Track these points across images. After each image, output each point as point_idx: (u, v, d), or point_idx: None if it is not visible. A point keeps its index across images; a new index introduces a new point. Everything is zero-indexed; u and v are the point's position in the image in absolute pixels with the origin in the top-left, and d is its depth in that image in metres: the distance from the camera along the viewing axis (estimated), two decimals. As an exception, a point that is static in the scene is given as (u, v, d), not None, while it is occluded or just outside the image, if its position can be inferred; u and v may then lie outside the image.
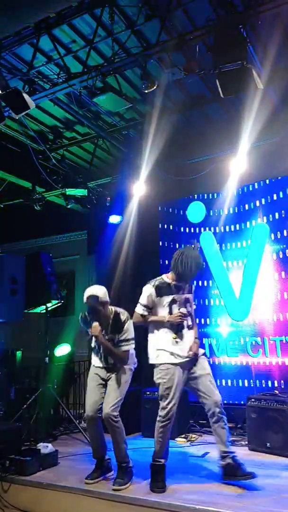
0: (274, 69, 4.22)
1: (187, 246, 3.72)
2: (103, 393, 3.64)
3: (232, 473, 3.36)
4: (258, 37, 4.02)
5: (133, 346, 3.68)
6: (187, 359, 3.48)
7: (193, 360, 3.50)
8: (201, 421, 5.17)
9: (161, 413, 3.42)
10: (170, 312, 3.51)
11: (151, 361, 3.56)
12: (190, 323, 3.57)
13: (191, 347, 3.50)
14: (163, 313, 3.52)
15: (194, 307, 3.73)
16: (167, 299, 3.51)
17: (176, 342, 3.48)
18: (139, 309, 3.57)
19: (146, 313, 3.55)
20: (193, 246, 3.64)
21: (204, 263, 3.56)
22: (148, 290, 3.55)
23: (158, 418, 3.44)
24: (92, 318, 3.61)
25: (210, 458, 4.19)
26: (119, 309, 3.70)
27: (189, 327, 3.57)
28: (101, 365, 3.73)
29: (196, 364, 3.52)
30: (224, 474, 3.40)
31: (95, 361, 3.78)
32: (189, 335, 3.55)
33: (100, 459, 3.73)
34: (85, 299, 3.58)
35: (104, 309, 3.61)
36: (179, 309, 3.50)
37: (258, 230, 5.58)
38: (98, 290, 3.59)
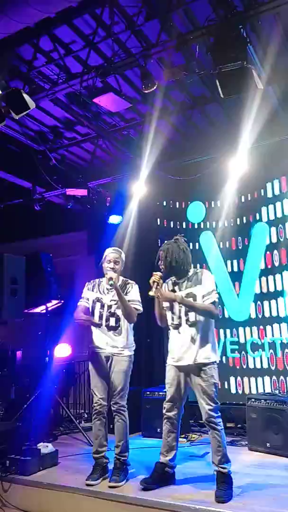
0: (274, 69, 4.22)
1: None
2: (108, 383, 3.73)
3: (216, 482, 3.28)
4: (258, 37, 4.02)
5: (139, 308, 3.74)
6: (181, 364, 3.42)
7: (197, 368, 3.36)
8: (201, 421, 5.12)
9: None
10: (171, 308, 3.52)
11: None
12: (192, 319, 3.40)
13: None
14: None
15: (210, 299, 3.39)
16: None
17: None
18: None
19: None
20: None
21: (169, 253, 3.44)
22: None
23: None
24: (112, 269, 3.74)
25: (210, 458, 4.18)
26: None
27: (191, 324, 3.40)
28: (100, 341, 3.75)
29: (194, 371, 3.38)
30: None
31: (97, 340, 3.78)
32: (189, 333, 3.38)
33: (100, 458, 3.74)
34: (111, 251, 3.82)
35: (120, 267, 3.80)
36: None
37: (258, 229, 5.59)
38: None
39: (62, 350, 6.95)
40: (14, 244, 8.25)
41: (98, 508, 3.39)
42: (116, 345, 3.73)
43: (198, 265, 5.91)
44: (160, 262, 3.51)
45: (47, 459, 4.09)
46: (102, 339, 3.77)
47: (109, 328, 3.75)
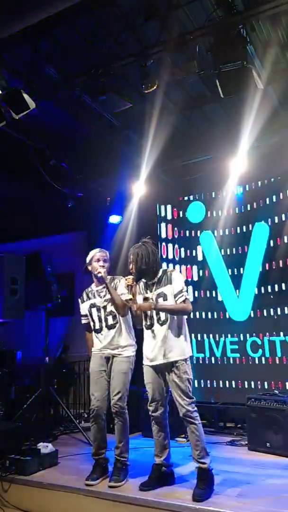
0: (274, 69, 4.22)
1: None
2: (107, 384, 3.74)
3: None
4: (258, 37, 4.02)
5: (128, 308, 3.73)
6: (155, 364, 3.45)
7: (170, 364, 3.41)
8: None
9: None
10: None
11: None
12: (163, 318, 3.45)
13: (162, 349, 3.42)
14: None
15: (178, 300, 3.45)
16: (139, 297, 3.56)
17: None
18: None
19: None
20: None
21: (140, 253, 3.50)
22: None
23: None
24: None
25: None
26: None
27: (162, 323, 3.45)
28: (101, 343, 3.78)
29: (169, 369, 3.42)
30: None
31: (98, 341, 3.82)
32: (161, 332, 3.43)
33: (100, 459, 3.74)
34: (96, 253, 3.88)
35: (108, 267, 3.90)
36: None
37: (258, 230, 5.58)
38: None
39: (62, 350, 6.97)
40: (14, 244, 8.25)
41: (98, 508, 3.39)
42: (116, 345, 3.74)
43: (197, 267, 5.94)
44: (130, 265, 3.57)
45: (47, 459, 4.09)
46: (102, 341, 3.80)
47: (109, 327, 3.78)
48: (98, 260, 3.85)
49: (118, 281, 3.84)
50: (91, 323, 3.90)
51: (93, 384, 3.78)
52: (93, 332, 3.91)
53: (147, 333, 3.56)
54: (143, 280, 3.61)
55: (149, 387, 3.54)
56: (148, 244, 3.58)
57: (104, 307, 3.83)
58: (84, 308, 3.97)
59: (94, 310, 3.88)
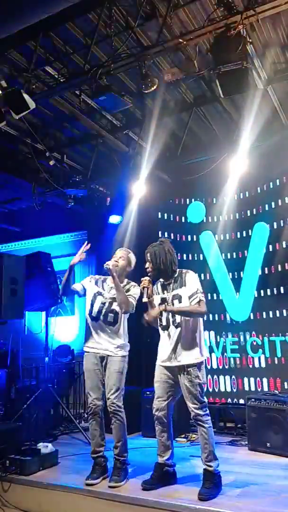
0: (274, 69, 4.22)
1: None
2: (102, 383, 3.75)
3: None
4: (258, 37, 4.02)
5: (133, 303, 3.71)
6: (167, 365, 3.46)
7: (182, 368, 3.41)
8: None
9: None
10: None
11: None
12: (178, 320, 3.45)
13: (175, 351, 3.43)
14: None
15: (193, 301, 3.43)
16: (156, 298, 3.57)
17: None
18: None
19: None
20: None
21: (156, 253, 3.53)
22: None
23: None
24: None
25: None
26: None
27: (177, 325, 3.45)
28: (96, 342, 3.77)
29: (181, 372, 3.42)
30: None
31: (93, 340, 3.81)
32: (177, 334, 3.43)
33: (98, 457, 3.75)
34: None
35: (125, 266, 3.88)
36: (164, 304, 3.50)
37: (258, 230, 5.59)
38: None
39: (62, 349, 6.96)
40: (14, 244, 8.26)
41: (98, 508, 3.39)
42: (111, 344, 3.75)
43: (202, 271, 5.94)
44: (147, 264, 3.56)
45: (47, 459, 4.09)
46: (97, 339, 3.79)
47: (107, 323, 3.77)
48: (115, 257, 3.88)
49: (133, 286, 3.81)
50: (89, 308, 3.85)
51: (88, 383, 3.79)
52: (88, 319, 3.86)
53: (163, 334, 3.55)
54: (161, 280, 3.61)
55: (157, 386, 3.53)
56: (165, 243, 3.58)
57: (110, 303, 3.80)
58: (87, 284, 3.93)
59: (99, 299, 3.84)
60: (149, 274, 3.52)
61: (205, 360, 3.54)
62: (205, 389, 3.44)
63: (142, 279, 3.47)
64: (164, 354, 3.49)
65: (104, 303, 3.82)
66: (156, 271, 3.52)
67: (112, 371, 3.70)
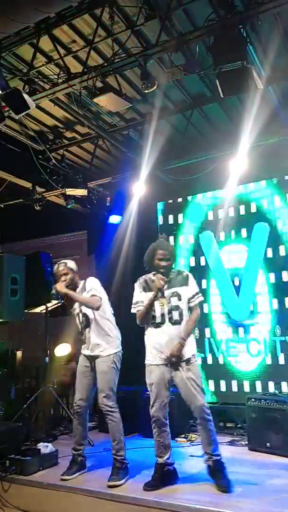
0: (274, 69, 4.22)
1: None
2: (90, 384, 3.84)
3: (211, 475, 3.41)
4: (258, 37, 4.02)
5: (98, 298, 3.73)
6: (166, 361, 3.46)
7: (183, 362, 3.43)
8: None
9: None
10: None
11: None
12: (176, 317, 3.48)
13: (172, 348, 3.43)
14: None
15: (193, 302, 3.57)
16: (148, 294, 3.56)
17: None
18: (133, 309, 3.63)
19: (140, 307, 3.58)
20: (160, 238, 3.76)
21: (164, 249, 3.57)
22: (136, 288, 3.67)
23: None
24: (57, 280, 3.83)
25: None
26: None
27: (174, 322, 3.48)
28: (85, 345, 3.87)
29: (182, 366, 3.44)
30: (207, 472, 3.46)
31: (81, 342, 3.95)
32: (172, 331, 3.46)
33: (76, 455, 3.86)
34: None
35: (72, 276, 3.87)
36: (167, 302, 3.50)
37: (258, 229, 5.58)
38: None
39: (62, 350, 6.95)
40: (14, 244, 8.26)
41: (97, 508, 3.39)
42: (94, 346, 3.80)
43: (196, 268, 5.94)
44: (162, 263, 3.54)
45: (47, 459, 4.09)
46: (84, 342, 3.89)
47: (85, 326, 3.85)
48: (58, 277, 3.85)
49: (88, 283, 3.84)
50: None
51: (77, 384, 3.90)
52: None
53: (156, 331, 3.51)
54: (158, 275, 3.58)
55: (155, 386, 3.49)
56: (168, 240, 3.64)
57: (80, 309, 3.89)
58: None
59: (77, 309, 3.93)
60: (162, 271, 3.52)
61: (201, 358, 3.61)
62: None
63: (158, 277, 3.46)
64: (159, 352, 3.48)
65: (79, 312, 3.91)
66: (169, 268, 3.57)
67: (99, 372, 3.77)
